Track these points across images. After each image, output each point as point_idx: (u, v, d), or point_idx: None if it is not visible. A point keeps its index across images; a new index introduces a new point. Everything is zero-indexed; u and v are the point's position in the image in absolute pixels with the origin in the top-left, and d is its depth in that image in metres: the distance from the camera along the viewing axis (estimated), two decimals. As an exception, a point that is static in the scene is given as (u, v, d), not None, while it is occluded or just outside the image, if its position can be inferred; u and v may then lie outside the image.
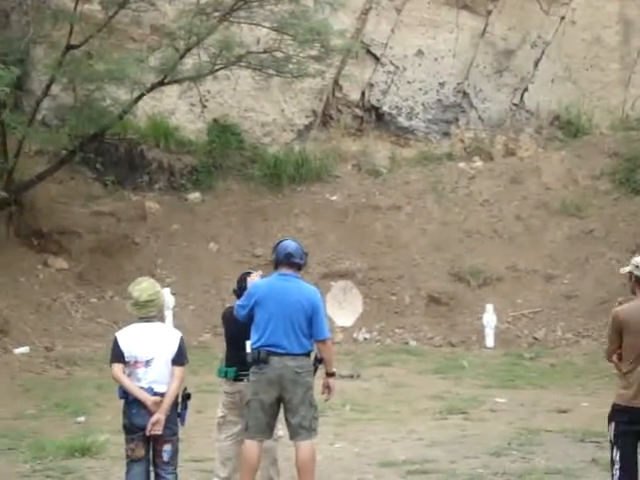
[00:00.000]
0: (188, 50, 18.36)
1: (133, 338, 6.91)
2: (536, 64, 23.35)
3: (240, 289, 7.99)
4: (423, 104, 23.22)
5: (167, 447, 6.88)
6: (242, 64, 19.30)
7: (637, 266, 6.71)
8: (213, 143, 21.76)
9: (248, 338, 7.56)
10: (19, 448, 9.94)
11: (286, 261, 7.64)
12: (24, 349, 16.23)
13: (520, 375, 15.33)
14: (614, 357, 6.74)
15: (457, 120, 23.34)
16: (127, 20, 20.13)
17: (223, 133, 21.90)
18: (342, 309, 16.31)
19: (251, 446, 7.47)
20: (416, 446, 10.24)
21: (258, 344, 7.47)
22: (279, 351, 7.42)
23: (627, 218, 20.50)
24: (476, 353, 17.61)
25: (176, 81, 19.14)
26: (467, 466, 9.24)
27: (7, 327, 16.68)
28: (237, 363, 7.78)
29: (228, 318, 8.09)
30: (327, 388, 7.75)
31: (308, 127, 22.90)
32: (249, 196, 21.32)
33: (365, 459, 9.66)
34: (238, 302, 7.75)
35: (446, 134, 23.24)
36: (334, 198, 21.48)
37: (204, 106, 21.93)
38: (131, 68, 17.09)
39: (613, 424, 6.64)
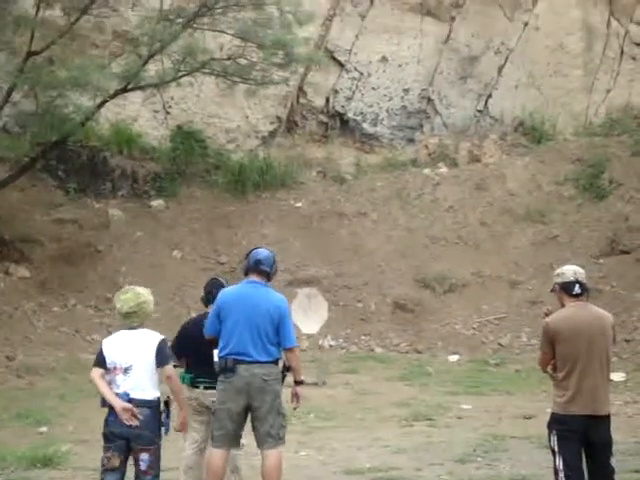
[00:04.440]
0: (151, 56, 18.22)
1: (115, 345, 6.93)
2: (500, 70, 23.47)
3: (207, 295, 7.96)
4: (388, 110, 23.26)
5: (144, 456, 6.78)
6: (206, 71, 19.20)
7: (558, 274, 6.81)
8: (177, 150, 21.64)
9: (206, 346, 7.53)
10: (-20, 459, 9.78)
11: (255, 268, 7.59)
12: (-15, 358, 16.02)
13: (485, 381, 15.34)
14: (548, 368, 6.78)
15: (422, 126, 23.40)
16: (89, 26, 19.96)
17: (187, 140, 21.78)
18: (307, 316, 16.18)
19: (217, 455, 7.39)
20: (381, 453, 10.20)
21: (225, 352, 7.40)
22: (246, 359, 7.35)
23: (590, 224, 20.62)
24: (442, 360, 17.60)
25: (139, 88, 19.00)
26: (432, 473, 9.21)
27: (-32, 336, 16.49)
28: (196, 370, 7.81)
29: (191, 326, 8.06)
30: (295, 396, 7.68)
31: (272, 133, 22.85)
32: (213, 203, 21.21)
33: (330, 467, 9.60)
34: (207, 320, 7.66)
35: (411, 140, 23.29)
36: (299, 205, 21.43)
37: (167, 113, 21.83)
38: (94, 74, 16.91)
39: (554, 432, 6.65)
